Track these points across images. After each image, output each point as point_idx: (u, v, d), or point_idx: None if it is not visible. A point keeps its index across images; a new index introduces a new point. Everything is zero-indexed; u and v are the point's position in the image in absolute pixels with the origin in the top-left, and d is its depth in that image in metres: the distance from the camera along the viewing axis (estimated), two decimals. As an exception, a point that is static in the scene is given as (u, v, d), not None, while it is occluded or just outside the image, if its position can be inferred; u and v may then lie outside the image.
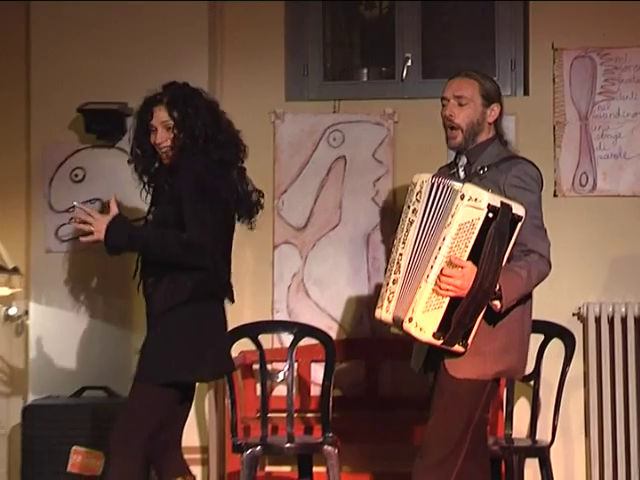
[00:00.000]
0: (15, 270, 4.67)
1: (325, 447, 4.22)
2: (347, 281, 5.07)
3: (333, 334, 4.77)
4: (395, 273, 3.47)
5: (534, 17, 5.09)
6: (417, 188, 3.48)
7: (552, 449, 4.34)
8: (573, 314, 4.97)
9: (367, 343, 5.00)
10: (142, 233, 3.65)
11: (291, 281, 5.12)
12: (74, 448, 4.64)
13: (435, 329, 3.33)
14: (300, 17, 5.27)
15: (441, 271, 3.31)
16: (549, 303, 4.74)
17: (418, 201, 3.46)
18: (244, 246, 5.11)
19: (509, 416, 4.45)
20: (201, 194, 3.62)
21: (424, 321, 3.34)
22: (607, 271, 5.01)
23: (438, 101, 4.90)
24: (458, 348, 3.37)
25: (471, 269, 3.29)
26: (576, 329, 4.78)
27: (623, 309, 4.91)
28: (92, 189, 4.86)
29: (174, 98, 3.71)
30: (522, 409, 4.68)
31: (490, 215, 3.29)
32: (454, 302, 3.33)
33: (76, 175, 4.99)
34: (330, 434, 4.28)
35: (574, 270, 5.00)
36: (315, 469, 4.38)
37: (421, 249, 3.42)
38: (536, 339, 4.37)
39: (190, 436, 4.84)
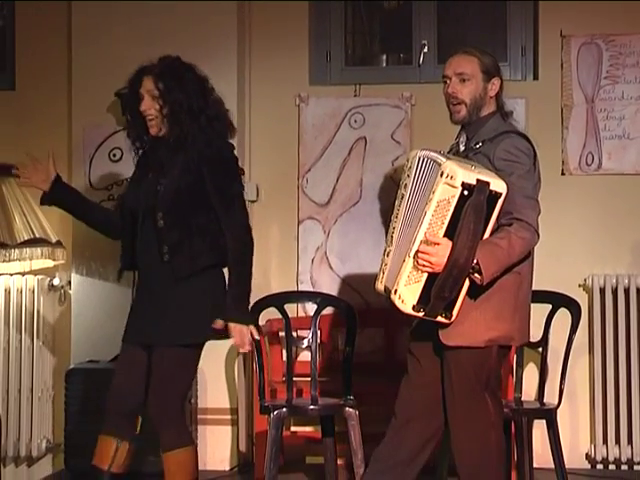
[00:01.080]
0: (58, 243, 4.67)
1: (346, 409, 4.29)
2: (367, 254, 5.13)
3: (354, 304, 4.71)
4: (389, 246, 3.52)
5: (544, 6, 5.15)
6: (409, 163, 3.48)
7: (559, 411, 4.37)
8: (579, 285, 5.06)
9: (386, 312, 4.81)
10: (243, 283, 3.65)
11: (315, 254, 5.22)
12: (112, 410, 4.88)
13: (415, 302, 3.35)
14: (323, 6, 5.34)
15: (418, 248, 3.32)
16: (556, 275, 4.85)
17: (408, 176, 3.47)
18: (271, 221, 5.27)
19: (519, 380, 4.46)
20: (228, 170, 3.64)
21: (406, 294, 3.35)
22: (611, 245, 5.07)
23: (453, 86, 5.04)
24: (441, 319, 3.37)
25: (445, 245, 3.28)
26: (582, 299, 4.84)
27: (626, 281, 4.98)
28: (129, 168, 4.91)
29: (162, 70, 3.67)
30: (531, 374, 4.74)
31: (465, 193, 3.25)
32: (432, 276, 3.32)
33: (114, 155, 5.09)
34: (351, 397, 4.36)
35: (580, 244, 5.08)
36: (337, 429, 4.43)
37: (408, 223, 3.43)
38: (544, 308, 4.45)
39: (220, 398, 5.03)
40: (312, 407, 4.34)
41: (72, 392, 4.85)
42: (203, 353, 4.97)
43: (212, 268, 3.66)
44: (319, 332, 4.64)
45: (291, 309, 4.80)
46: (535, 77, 5.23)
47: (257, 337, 3.68)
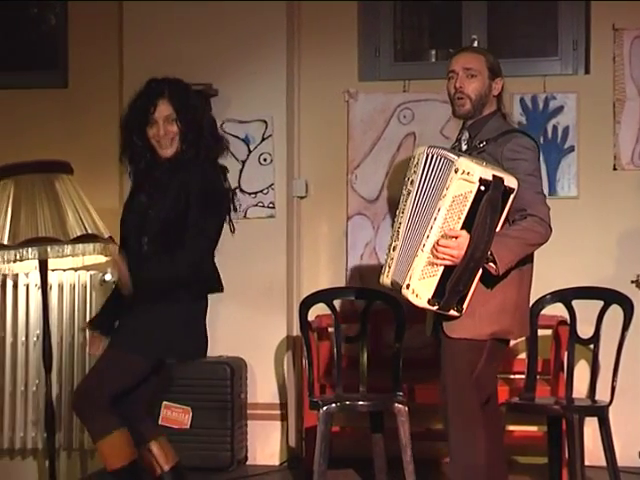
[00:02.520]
0: (110, 239, 4.68)
1: (395, 405, 4.32)
2: None
3: (402, 299, 4.72)
4: (395, 241, 3.57)
5: (595, -1, 5.13)
6: (415, 160, 3.55)
7: (611, 408, 4.32)
8: (631, 282, 5.03)
9: None
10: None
11: (364, 250, 5.24)
12: (165, 403, 4.87)
13: (430, 295, 3.41)
14: (372, 2, 5.34)
15: (437, 241, 3.37)
16: (609, 271, 4.87)
17: (415, 172, 3.53)
18: (320, 217, 5.32)
19: (570, 377, 4.45)
20: (211, 205, 3.65)
21: (420, 288, 3.41)
22: (664, 241, 5.02)
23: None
24: (453, 313, 3.45)
25: (465, 238, 3.36)
26: (634, 296, 4.70)
27: (679, 277, 4.92)
28: None
29: (173, 92, 3.69)
30: (582, 371, 4.76)
31: (482, 188, 3.34)
32: (448, 270, 3.40)
33: (164, 151, 5.27)
34: (400, 393, 4.40)
35: (633, 240, 5.05)
36: (386, 425, 4.45)
37: (417, 218, 3.49)
38: (596, 305, 4.43)
39: (270, 394, 5.09)
40: (361, 403, 4.39)
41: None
42: (252, 348, 5.09)
43: (190, 298, 3.70)
44: (368, 328, 4.68)
45: (340, 305, 4.87)
46: (587, 71, 5.21)
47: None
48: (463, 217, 3.37)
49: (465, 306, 3.45)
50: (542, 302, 4.50)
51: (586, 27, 5.19)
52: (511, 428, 4.78)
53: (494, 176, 3.36)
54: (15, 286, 5.30)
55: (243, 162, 5.21)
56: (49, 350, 4.57)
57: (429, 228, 3.41)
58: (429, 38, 5.60)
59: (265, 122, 5.18)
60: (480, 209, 3.36)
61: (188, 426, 4.89)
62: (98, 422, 3.67)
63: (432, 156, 3.49)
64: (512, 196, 3.40)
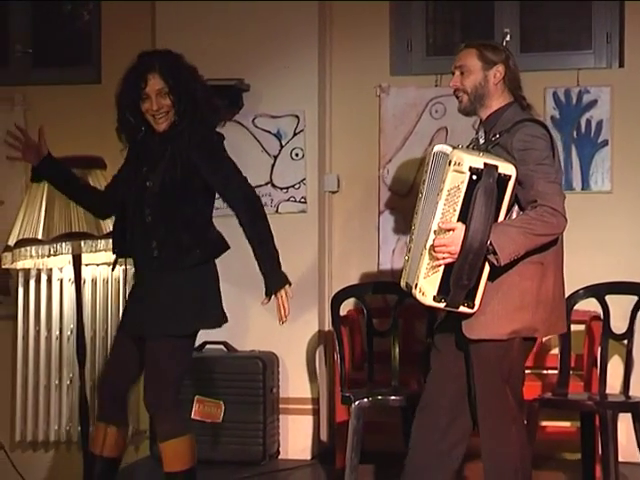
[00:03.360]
0: None
1: None
2: None
3: None
4: (410, 243, 3.60)
5: (629, -9, 5.07)
6: (427, 160, 3.57)
7: None
8: None
9: None
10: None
11: (395, 245, 5.22)
12: (197, 397, 4.89)
13: (435, 292, 3.37)
14: None
15: (433, 240, 3.35)
16: None
17: (426, 172, 3.55)
18: (351, 212, 5.31)
19: (603, 373, 4.43)
20: (223, 155, 3.69)
21: (426, 286, 3.38)
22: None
23: (535, 74, 5.06)
24: (464, 309, 3.38)
25: (460, 230, 3.32)
26: None
27: None
28: None
29: (164, 65, 3.67)
30: (616, 367, 4.71)
31: (474, 177, 3.29)
32: (450, 266, 3.35)
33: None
34: None
35: None
36: None
37: (424, 218, 3.49)
38: (630, 300, 4.44)
39: (302, 388, 5.10)
40: (393, 397, 4.38)
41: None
42: (284, 343, 5.10)
43: (200, 264, 3.70)
44: (399, 323, 4.69)
45: (372, 300, 4.84)
46: (621, 64, 5.16)
47: (291, 295, 3.68)
48: (458, 209, 3.33)
49: (477, 302, 3.38)
50: (575, 297, 4.49)
51: (620, 20, 5.14)
52: (544, 424, 4.76)
53: (485, 164, 3.30)
54: (49, 281, 5.36)
55: (275, 157, 5.22)
56: (83, 344, 4.63)
57: (430, 225, 3.40)
58: (461, 32, 5.56)
59: (297, 117, 5.19)
60: (473, 198, 3.31)
61: (220, 420, 4.91)
62: (174, 423, 3.70)
63: (436, 154, 3.50)
64: (510, 183, 3.34)
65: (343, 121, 5.32)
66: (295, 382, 5.14)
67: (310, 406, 5.13)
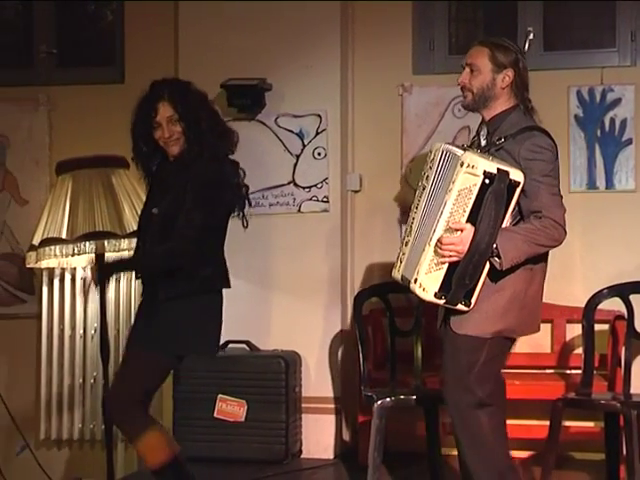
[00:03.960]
0: None
1: None
2: None
3: None
4: (408, 236, 3.63)
5: (654, -11, 5.02)
6: (431, 156, 3.59)
7: None
8: None
9: None
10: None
11: None
12: (220, 396, 4.92)
13: (437, 289, 3.44)
14: None
15: (441, 236, 3.40)
16: None
17: (430, 168, 3.57)
18: (374, 211, 5.30)
19: (627, 373, 4.39)
20: (202, 192, 3.68)
21: (427, 282, 3.44)
22: None
23: (558, 73, 5.03)
24: (461, 307, 3.46)
25: (469, 231, 3.39)
26: None
27: None
28: (234, 158, 5.13)
29: (173, 93, 3.76)
30: None
31: (487, 181, 3.35)
32: (454, 263, 3.42)
33: (219, 146, 5.30)
34: None
35: None
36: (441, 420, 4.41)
37: (428, 214, 3.52)
38: None
39: (324, 387, 5.10)
40: (415, 397, 4.36)
41: (180, 380, 4.98)
42: (306, 342, 5.10)
43: (192, 294, 3.74)
44: (422, 322, 4.67)
45: (394, 299, 4.79)
46: (645, 62, 5.13)
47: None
48: (468, 210, 3.40)
49: (474, 300, 3.46)
50: (599, 297, 4.47)
51: (644, 18, 5.11)
52: (568, 424, 4.74)
53: (499, 169, 3.37)
54: (73, 280, 5.39)
55: (297, 156, 5.22)
56: (106, 343, 4.65)
57: (436, 222, 3.44)
58: (484, 31, 5.53)
59: (319, 116, 5.19)
60: (484, 202, 3.38)
61: (243, 419, 4.92)
62: (131, 424, 3.75)
63: (444, 152, 3.52)
64: (518, 190, 3.41)
65: (365, 120, 5.31)
66: (317, 381, 5.15)
67: (332, 405, 5.13)
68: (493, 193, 3.37)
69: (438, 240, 3.43)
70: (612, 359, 4.67)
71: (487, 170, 3.36)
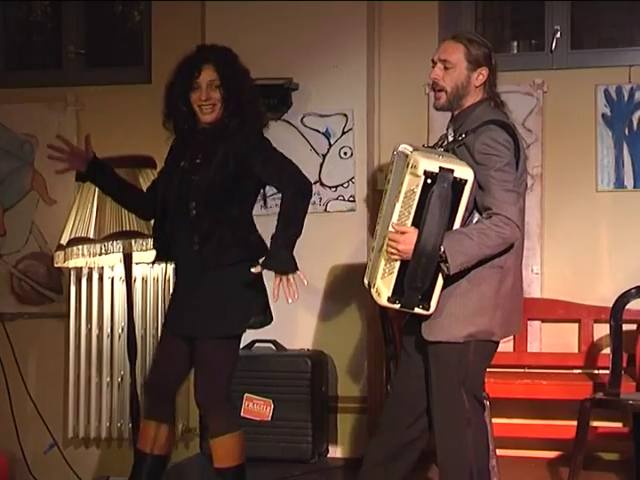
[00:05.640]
0: None
1: None
2: None
3: None
4: (373, 241, 3.60)
5: (683, -14, 4.99)
6: (393, 158, 3.55)
7: None
8: None
9: None
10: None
11: None
12: (246, 395, 4.91)
13: (389, 293, 3.37)
14: None
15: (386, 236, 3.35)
16: None
17: (391, 171, 3.55)
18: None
19: None
20: (274, 148, 3.74)
21: (381, 287, 3.39)
22: None
23: (586, 71, 5.00)
24: (420, 311, 3.38)
25: (412, 233, 3.30)
26: None
27: None
28: None
29: (219, 59, 3.73)
30: None
31: (428, 181, 3.26)
32: (404, 267, 3.34)
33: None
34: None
35: None
36: None
37: (384, 218, 3.49)
38: None
39: (351, 387, 5.10)
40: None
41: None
42: (333, 341, 5.11)
43: (242, 262, 3.69)
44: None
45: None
46: (672, 61, 5.10)
47: (305, 282, 3.65)
48: (412, 212, 3.32)
49: (433, 304, 3.37)
50: (627, 296, 4.45)
51: (674, 15, 5.09)
52: (595, 424, 4.71)
53: (441, 168, 3.27)
54: (100, 279, 5.41)
55: (324, 156, 5.23)
56: (134, 342, 4.68)
57: (388, 226, 3.39)
58: (511, 29, 5.54)
59: (345, 115, 5.20)
60: (427, 202, 3.28)
61: (269, 418, 4.93)
62: (221, 419, 3.76)
63: (398, 154, 3.48)
64: (467, 187, 3.29)
65: (392, 120, 5.30)
66: (344, 380, 5.14)
67: (359, 405, 5.12)
68: (436, 193, 3.27)
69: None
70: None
71: (427, 170, 3.26)
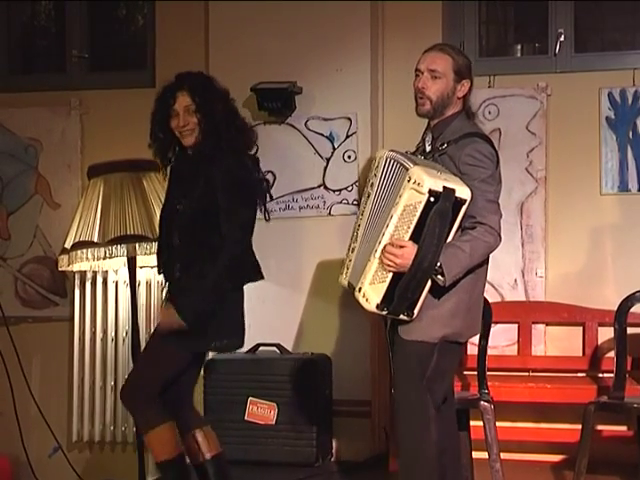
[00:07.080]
0: None
1: (481, 402, 4.30)
2: (501, 247, 4.78)
3: (489, 297, 4.59)
4: (354, 242, 3.63)
5: (687, -11, 4.99)
6: (376, 162, 3.57)
7: None
8: None
9: (521, 306, 5.06)
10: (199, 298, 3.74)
11: None
12: (250, 399, 4.93)
13: (379, 301, 3.43)
14: None
15: (384, 247, 3.40)
16: None
17: (375, 175, 3.55)
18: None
19: None
20: (236, 191, 3.76)
21: (370, 293, 3.44)
22: None
23: (590, 74, 5.00)
24: (403, 317, 3.46)
25: (411, 249, 3.37)
26: None
27: None
28: (264, 162, 4.88)
29: (193, 84, 3.84)
30: None
31: (432, 199, 3.32)
32: (397, 277, 3.40)
33: (249, 149, 5.33)
34: (486, 391, 4.36)
35: None
36: (472, 423, 4.39)
37: (374, 223, 3.52)
38: None
39: (355, 390, 5.09)
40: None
41: (211, 383, 5.01)
42: (337, 345, 5.10)
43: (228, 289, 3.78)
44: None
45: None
46: (676, 64, 5.09)
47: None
48: (412, 227, 3.38)
49: (416, 311, 3.45)
50: (631, 299, 4.44)
51: (678, 18, 5.09)
52: (600, 428, 4.72)
53: (445, 187, 3.34)
54: (105, 283, 5.42)
55: (327, 159, 5.23)
56: (138, 346, 4.68)
57: (381, 234, 3.43)
58: (514, 33, 5.54)
59: (349, 119, 5.20)
60: (429, 221, 3.35)
61: (273, 422, 4.93)
62: (145, 414, 3.81)
63: (391, 161, 3.50)
64: (464, 207, 3.38)
65: (396, 123, 5.30)
66: (348, 384, 5.13)
67: (363, 408, 5.12)
68: (437, 212, 3.35)
69: (382, 250, 3.42)
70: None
71: (432, 189, 3.32)
